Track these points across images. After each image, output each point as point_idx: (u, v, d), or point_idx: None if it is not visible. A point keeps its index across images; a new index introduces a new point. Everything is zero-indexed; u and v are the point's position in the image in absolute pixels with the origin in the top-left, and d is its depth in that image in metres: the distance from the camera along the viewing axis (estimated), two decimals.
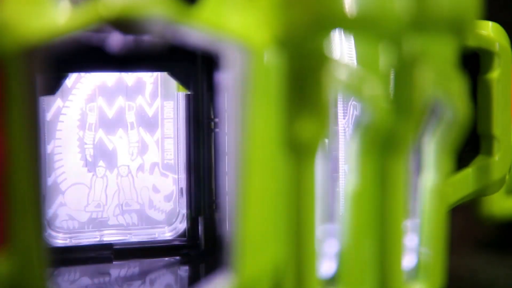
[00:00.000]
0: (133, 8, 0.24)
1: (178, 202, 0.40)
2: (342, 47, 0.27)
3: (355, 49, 0.26)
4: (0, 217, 0.25)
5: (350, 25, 0.25)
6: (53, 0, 0.25)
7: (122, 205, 0.40)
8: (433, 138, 0.28)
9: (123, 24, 0.24)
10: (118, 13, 0.24)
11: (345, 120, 0.38)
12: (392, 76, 0.27)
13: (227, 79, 0.26)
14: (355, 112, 0.38)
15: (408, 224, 0.29)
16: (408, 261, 0.29)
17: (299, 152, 0.27)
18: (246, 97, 0.26)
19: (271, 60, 0.26)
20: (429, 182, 0.29)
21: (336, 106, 0.35)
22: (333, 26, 0.26)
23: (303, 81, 0.26)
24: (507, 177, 0.36)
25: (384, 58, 0.27)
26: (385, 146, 0.27)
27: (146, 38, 0.26)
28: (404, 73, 0.27)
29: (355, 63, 0.26)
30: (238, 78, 0.26)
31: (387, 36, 0.26)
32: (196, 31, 0.25)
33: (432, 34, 0.27)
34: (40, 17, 0.25)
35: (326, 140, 0.27)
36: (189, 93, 0.39)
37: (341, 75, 0.26)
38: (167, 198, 0.40)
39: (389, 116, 0.27)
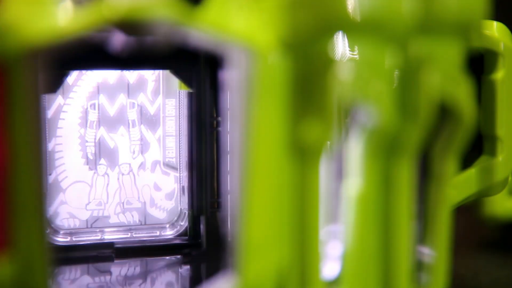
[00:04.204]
0: (138, 10, 0.24)
1: (180, 201, 0.40)
2: (347, 49, 0.27)
3: (360, 51, 0.26)
4: (2, 219, 0.25)
5: (356, 27, 0.25)
6: (56, 1, 0.25)
7: (123, 203, 0.40)
8: (438, 141, 0.28)
9: (128, 26, 0.24)
10: (123, 15, 0.24)
11: (348, 119, 0.38)
12: (398, 79, 0.27)
13: (231, 80, 0.26)
14: (358, 111, 0.38)
15: (412, 225, 0.29)
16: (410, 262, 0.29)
17: (304, 154, 0.26)
18: (250, 99, 0.25)
19: (275, 62, 0.26)
20: (434, 184, 0.29)
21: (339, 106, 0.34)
22: (339, 28, 0.25)
23: (308, 83, 0.26)
24: (510, 177, 0.36)
25: (390, 61, 0.26)
26: (390, 149, 0.27)
27: (150, 38, 0.26)
28: (410, 76, 0.27)
29: (361, 66, 0.26)
30: (243, 79, 0.25)
31: (393, 39, 0.26)
32: (201, 32, 0.25)
33: (438, 36, 0.27)
34: (44, 18, 0.24)
35: (331, 142, 0.27)
36: (191, 91, 0.39)
37: (346, 77, 0.26)
38: (169, 197, 0.40)
39: (395, 119, 0.27)
